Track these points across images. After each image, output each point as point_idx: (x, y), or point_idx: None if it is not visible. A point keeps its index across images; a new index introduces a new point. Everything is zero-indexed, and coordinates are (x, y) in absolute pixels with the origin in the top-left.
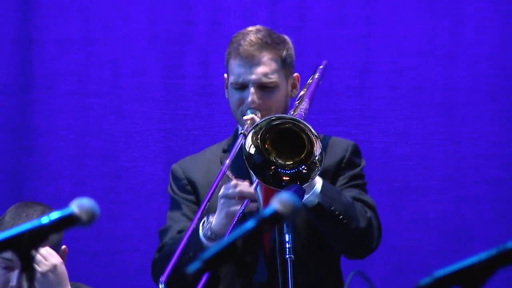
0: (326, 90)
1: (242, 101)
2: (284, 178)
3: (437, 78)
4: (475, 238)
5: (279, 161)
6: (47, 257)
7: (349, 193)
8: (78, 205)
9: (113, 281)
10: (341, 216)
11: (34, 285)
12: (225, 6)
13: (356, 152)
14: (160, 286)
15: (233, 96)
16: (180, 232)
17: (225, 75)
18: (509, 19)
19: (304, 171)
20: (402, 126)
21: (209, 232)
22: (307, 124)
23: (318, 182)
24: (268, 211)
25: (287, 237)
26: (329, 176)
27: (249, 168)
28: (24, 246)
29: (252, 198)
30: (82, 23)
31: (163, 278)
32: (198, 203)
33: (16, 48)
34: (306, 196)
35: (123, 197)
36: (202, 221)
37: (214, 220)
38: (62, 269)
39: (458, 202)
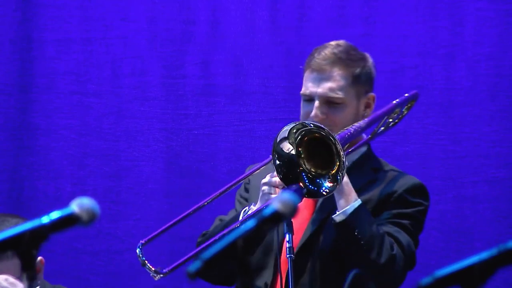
0: None
1: (308, 114)
2: (301, 184)
3: (437, 78)
4: (475, 238)
5: (306, 165)
6: None
7: (387, 228)
8: (79, 205)
9: (114, 280)
10: (362, 242)
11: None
12: (225, 6)
13: (414, 191)
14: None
15: (302, 107)
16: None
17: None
18: (509, 18)
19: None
20: (402, 126)
21: None
22: (337, 141)
23: (356, 203)
24: (268, 211)
25: (287, 237)
26: (371, 206)
27: (274, 162)
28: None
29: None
30: (82, 23)
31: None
32: (248, 201)
33: (15, 48)
34: (337, 212)
35: (123, 197)
36: (244, 209)
37: (255, 208)
38: None
39: (458, 202)
